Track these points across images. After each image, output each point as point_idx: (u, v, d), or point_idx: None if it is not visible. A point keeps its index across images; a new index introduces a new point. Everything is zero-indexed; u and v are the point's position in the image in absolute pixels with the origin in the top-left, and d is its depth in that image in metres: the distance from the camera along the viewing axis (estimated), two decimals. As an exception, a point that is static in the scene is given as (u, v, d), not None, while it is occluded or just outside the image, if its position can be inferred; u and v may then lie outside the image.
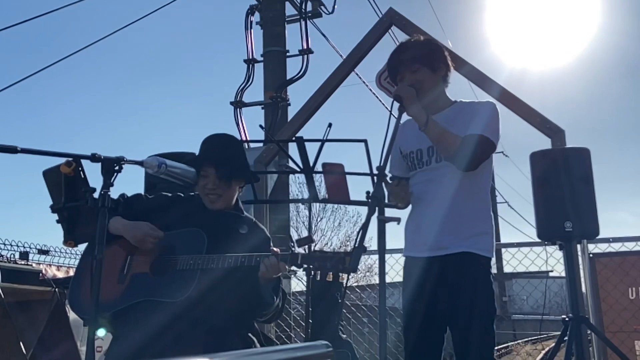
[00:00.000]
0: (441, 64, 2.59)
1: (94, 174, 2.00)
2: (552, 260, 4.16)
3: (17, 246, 4.81)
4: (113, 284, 2.37)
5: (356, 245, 1.98)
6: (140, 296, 2.38)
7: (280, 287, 2.50)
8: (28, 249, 4.81)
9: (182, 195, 2.70)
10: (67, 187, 2.03)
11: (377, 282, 2.17)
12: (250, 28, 8.00)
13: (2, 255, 4.50)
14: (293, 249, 2.48)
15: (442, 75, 2.60)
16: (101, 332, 2.36)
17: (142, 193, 2.61)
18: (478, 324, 2.38)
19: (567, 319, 3.06)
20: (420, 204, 2.58)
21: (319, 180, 2.61)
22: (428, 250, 2.50)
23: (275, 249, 2.40)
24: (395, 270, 4.29)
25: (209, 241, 2.40)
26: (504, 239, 24.75)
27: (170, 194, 2.72)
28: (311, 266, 2.31)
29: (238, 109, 7.84)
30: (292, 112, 7.34)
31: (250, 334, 2.45)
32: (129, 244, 2.45)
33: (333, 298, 3.74)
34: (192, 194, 2.67)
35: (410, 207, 2.66)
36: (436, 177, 2.53)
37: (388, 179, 2.47)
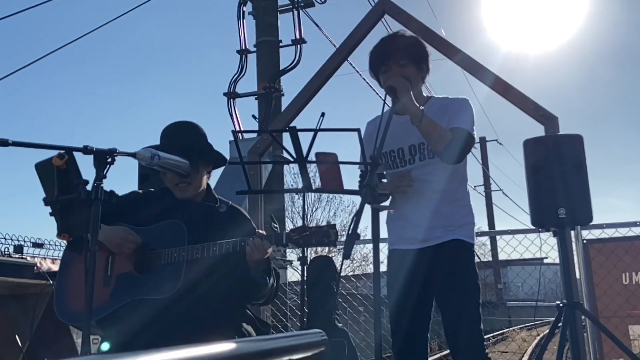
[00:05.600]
0: (424, 65, 2.64)
1: (86, 167, 1.99)
2: (546, 246, 4.18)
3: (12, 240, 4.79)
4: (99, 287, 2.30)
5: (349, 232, 1.99)
6: (128, 296, 2.35)
7: (271, 268, 2.49)
8: (22, 243, 4.79)
9: (153, 190, 2.68)
10: (59, 180, 2.01)
11: (372, 271, 2.18)
12: (243, 18, 7.97)
13: (-4, 249, 4.48)
14: (276, 229, 2.47)
15: (423, 76, 2.65)
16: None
17: (113, 190, 2.59)
18: (470, 305, 2.47)
19: (561, 304, 3.08)
20: (407, 201, 2.60)
21: (313, 170, 2.61)
22: (419, 242, 2.55)
23: (259, 231, 2.39)
24: (390, 259, 4.29)
25: (190, 231, 2.38)
26: (498, 227, 25.01)
27: (141, 191, 2.70)
28: (297, 243, 2.31)
29: (231, 100, 7.83)
30: (285, 102, 7.34)
31: (244, 323, 2.45)
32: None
33: (327, 285, 3.75)
34: (163, 186, 2.63)
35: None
36: (421, 174, 2.57)
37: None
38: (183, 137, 2.52)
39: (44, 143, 1.95)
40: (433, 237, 2.53)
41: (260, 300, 2.55)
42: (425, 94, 2.69)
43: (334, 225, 2.35)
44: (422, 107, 2.43)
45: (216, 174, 2.74)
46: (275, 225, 2.44)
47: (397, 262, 2.63)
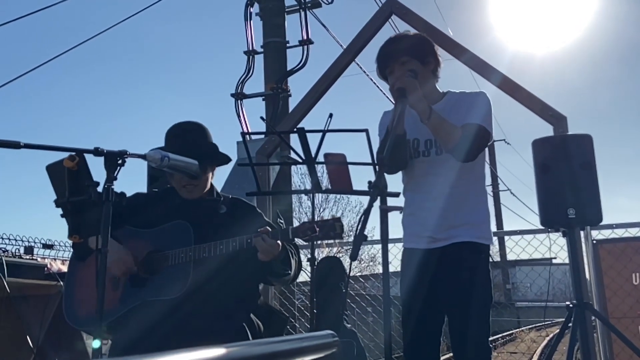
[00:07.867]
0: (430, 58, 2.58)
1: (97, 168, 2.01)
2: (555, 247, 4.16)
3: (22, 241, 4.83)
4: (108, 290, 2.25)
5: (357, 233, 1.99)
6: (137, 299, 2.35)
7: (289, 255, 2.45)
8: (33, 244, 4.83)
9: (157, 191, 2.69)
10: (70, 182, 2.02)
11: (380, 271, 2.18)
12: (250, 19, 7.98)
13: (7, 250, 4.51)
14: (281, 223, 2.47)
15: (432, 69, 2.59)
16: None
17: (124, 192, 2.60)
18: (480, 311, 2.42)
19: (571, 305, 3.07)
20: (419, 196, 2.58)
21: (321, 170, 2.61)
22: (429, 242, 2.51)
23: (265, 228, 2.35)
24: (398, 260, 4.30)
25: (196, 230, 2.38)
26: (506, 227, 24.88)
27: (146, 192, 2.71)
28: (303, 237, 2.30)
29: (239, 101, 7.84)
30: (293, 103, 7.34)
31: (256, 318, 2.44)
32: None
33: (335, 286, 3.75)
34: (167, 187, 2.64)
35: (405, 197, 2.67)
36: (436, 169, 2.52)
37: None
38: (189, 138, 2.52)
39: (55, 145, 1.96)
40: (445, 236, 2.47)
41: (288, 282, 2.57)
42: (441, 90, 2.64)
43: (339, 218, 2.34)
44: (431, 105, 2.41)
45: (222, 176, 2.75)
46: (280, 221, 2.44)
47: (407, 262, 2.60)
